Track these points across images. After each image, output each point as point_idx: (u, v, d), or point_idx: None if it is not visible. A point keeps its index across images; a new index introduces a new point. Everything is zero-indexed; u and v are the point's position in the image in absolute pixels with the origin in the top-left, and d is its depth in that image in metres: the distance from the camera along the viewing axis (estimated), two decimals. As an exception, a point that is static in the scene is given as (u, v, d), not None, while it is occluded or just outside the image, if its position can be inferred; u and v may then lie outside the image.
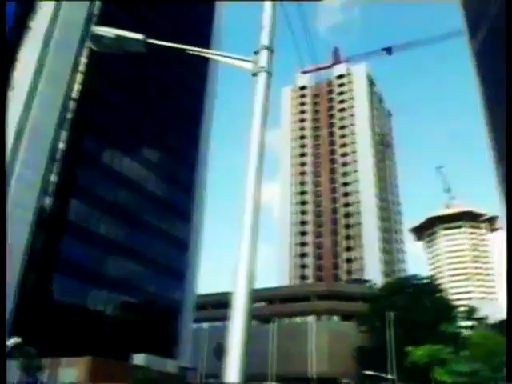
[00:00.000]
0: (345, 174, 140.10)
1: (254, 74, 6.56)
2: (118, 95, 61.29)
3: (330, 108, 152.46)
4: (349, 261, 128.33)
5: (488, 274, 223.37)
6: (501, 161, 63.57)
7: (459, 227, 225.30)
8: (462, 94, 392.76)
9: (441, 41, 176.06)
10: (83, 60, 55.93)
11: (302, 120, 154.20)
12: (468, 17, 74.36)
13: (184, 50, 7.58)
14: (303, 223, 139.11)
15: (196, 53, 7.56)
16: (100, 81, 57.53)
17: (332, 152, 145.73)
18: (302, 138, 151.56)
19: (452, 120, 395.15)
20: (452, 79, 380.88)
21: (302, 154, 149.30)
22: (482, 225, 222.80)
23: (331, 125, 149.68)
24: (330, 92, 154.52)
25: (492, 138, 65.50)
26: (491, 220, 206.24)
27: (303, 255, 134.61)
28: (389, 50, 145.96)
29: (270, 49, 6.73)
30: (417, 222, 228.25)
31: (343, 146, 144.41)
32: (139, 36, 7.33)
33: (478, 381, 38.14)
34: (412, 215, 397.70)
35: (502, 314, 55.45)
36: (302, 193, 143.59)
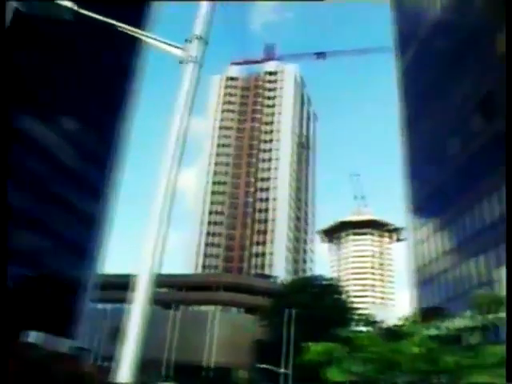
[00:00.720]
0: (264, 170, 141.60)
1: (182, 62, 6.51)
2: (42, 58, 58.34)
3: (258, 103, 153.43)
4: (258, 255, 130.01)
5: (389, 282, 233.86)
6: (410, 177, 66.65)
7: (367, 234, 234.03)
8: (386, 107, 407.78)
9: (372, 53, 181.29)
10: (6, 16, 52.87)
11: (229, 111, 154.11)
12: (399, 36, 77.29)
13: (115, 26, 7.41)
14: (217, 213, 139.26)
15: (126, 31, 7.42)
16: (24, 39, 54.61)
17: (254, 147, 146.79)
18: (226, 128, 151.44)
19: (376, 131, 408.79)
20: (380, 92, 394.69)
21: (224, 145, 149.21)
22: (389, 234, 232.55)
23: (256, 119, 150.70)
24: (260, 87, 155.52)
25: (406, 152, 68.47)
26: (397, 230, 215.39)
27: (213, 245, 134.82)
28: (321, 55, 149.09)
29: (202, 39, 6.70)
30: (328, 225, 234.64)
31: (265, 142, 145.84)
32: (68, 3, 7.10)
33: (362, 381, 39.93)
34: (324, 218, 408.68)
35: (395, 320, 58.21)
36: (220, 183, 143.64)
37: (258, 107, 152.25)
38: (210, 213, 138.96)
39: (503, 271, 37.82)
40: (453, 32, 56.99)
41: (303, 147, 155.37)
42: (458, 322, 37.38)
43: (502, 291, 35.12)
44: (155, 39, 7.09)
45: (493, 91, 46.26)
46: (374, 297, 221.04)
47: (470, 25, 52.39)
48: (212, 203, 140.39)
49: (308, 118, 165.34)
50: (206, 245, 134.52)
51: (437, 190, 58.11)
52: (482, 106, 49.25)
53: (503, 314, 30.50)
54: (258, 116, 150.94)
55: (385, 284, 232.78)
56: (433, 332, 35.68)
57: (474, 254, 48.03)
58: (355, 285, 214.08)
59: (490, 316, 31.97)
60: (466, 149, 51.24)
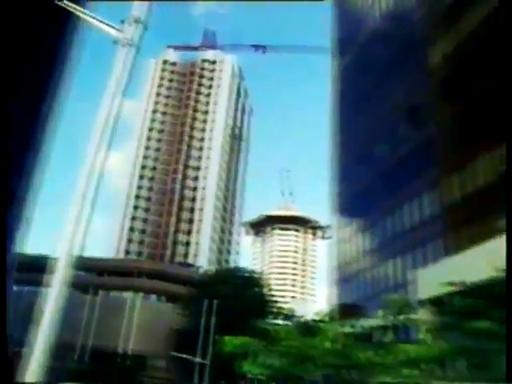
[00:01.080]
0: (194, 159, 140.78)
1: (116, 43, 6.37)
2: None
3: (193, 90, 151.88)
4: (183, 244, 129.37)
5: (311, 278, 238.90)
6: (338, 177, 68.19)
7: (292, 230, 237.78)
8: (322, 106, 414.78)
9: (312, 52, 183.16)
10: None
11: (163, 95, 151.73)
12: (338, 38, 78.64)
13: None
14: (144, 199, 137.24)
15: (63, 5, 7.18)
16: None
17: (186, 134, 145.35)
18: (159, 113, 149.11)
19: (311, 128, 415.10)
20: (318, 90, 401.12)
21: (156, 130, 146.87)
22: (313, 231, 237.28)
23: (191, 107, 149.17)
24: (196, 74, 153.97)
25: (336, 152, 69.96)
26: (322, 228, 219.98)
27: (138, 231, 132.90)
28: (260, 48, 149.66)
29: (140, 23, 6.59)
30: (254, 218, 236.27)
31: (199, 130, 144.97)
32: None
33: (277, 375, 40.70)
34: (252, 211, 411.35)
35: (314, 315, 59.56)
36: (149, 169, 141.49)
37: (193, 94, 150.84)
38: (137, 197, 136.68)
39: (418, 273, 39.41)
40: (389, 40, 58.61)
41: (236, 139, 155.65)
42: (372, 321, 38.69)
43: (415, 292, 36.59)
44: (93, 17, 6.92)
45: (422, 100, 47.99)
46: (294, 291, 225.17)
47: (406, 35, 54.01)
48: (139, 188, 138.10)
49: (243, 111, 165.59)
50: (131, 230, 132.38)
51: (363, 191, 59.72)
52: (411, 113, 50.97)
53: (414, 316, 31.94)
54: (193, 103, 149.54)
55: (306, 280, 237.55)
56: (348, 329, 36.82)
57: (393, 256, 49.79)
58: (277, 279, 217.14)
59: (401, 317, 33.30)
60: (394, 153, 52.88)
